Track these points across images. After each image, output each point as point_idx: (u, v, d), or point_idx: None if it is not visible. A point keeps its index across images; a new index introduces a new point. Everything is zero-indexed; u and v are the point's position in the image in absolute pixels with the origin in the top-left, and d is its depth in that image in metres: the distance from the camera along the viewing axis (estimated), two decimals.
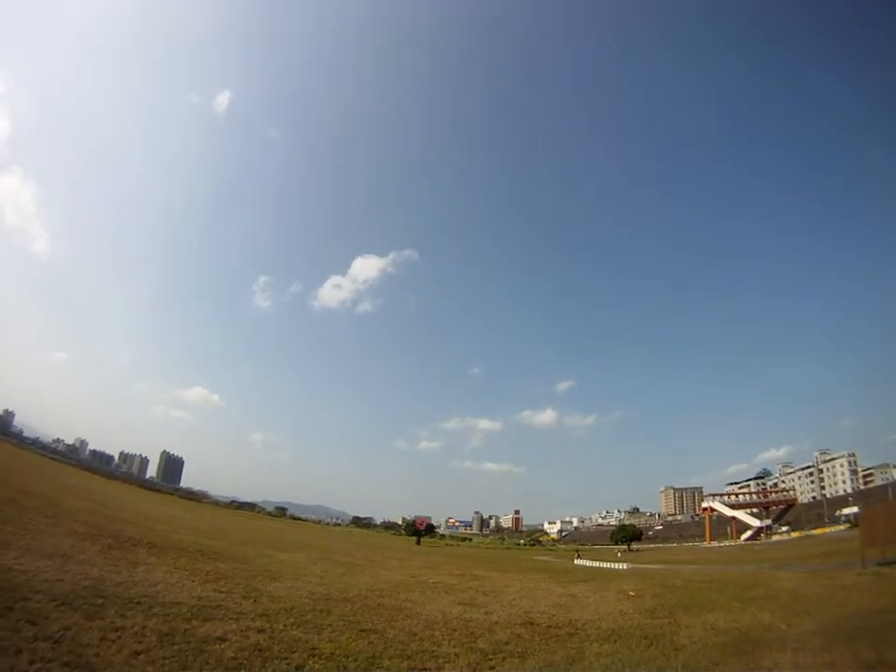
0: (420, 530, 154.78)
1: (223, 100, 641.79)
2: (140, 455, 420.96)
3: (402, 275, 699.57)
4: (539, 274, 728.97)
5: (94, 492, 66.00)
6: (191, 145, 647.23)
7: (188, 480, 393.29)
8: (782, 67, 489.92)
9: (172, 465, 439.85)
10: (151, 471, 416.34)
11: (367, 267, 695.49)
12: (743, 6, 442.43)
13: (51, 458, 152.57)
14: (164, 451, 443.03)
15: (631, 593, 32.66)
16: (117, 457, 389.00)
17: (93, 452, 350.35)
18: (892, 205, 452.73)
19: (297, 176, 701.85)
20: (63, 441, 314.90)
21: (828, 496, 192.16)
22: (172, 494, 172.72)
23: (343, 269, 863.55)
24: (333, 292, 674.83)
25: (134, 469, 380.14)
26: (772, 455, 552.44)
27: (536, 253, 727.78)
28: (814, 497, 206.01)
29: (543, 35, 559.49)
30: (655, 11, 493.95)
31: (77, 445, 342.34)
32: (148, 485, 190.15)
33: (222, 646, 11.88)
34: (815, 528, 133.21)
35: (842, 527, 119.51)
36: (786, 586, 31.79)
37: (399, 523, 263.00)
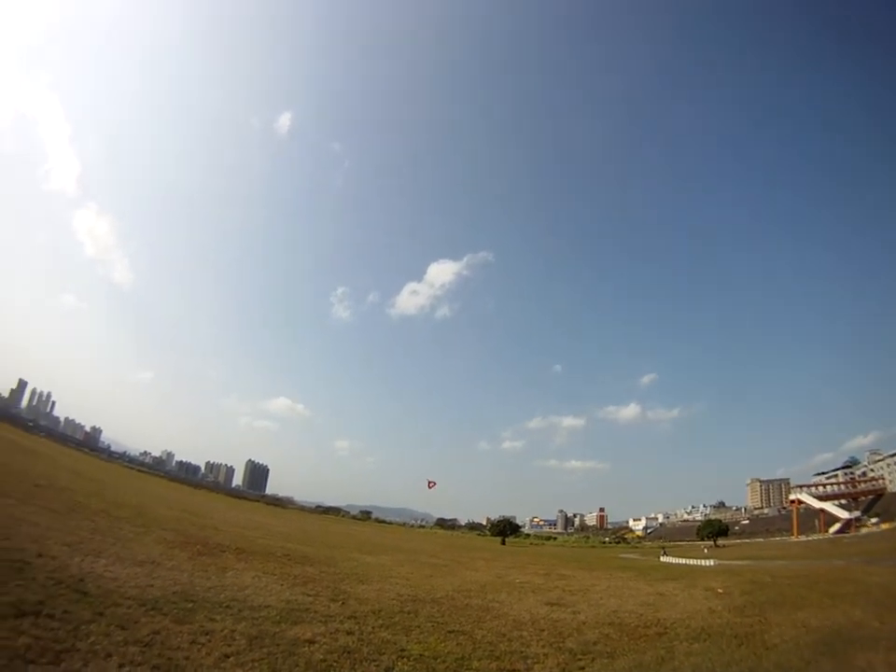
0: (505, 530, 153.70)
1: (285, 121, 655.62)
2: (226, 465, 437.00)
3: (478, 278, 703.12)
4: (616, 271, 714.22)
5: (181, 501, 68.45)
6: (257, 164, 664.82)
7: (273, 487, 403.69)
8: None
9: (257, 473, 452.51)
10: (237, 480, 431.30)
11: (443, 272, 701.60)
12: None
13: (139, 470, 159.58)
14: (250, 459, 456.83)
15: (719, 590, 32.00)
16: (203, 467, 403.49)
17: (180, 463, 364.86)
18: None
19: (364, 187, 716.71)
20: (150, 453, 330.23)
21: None
22: (258, 501, 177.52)
23: (419, 275, 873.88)
24: (411, 299, 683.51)
25: (221, 479, 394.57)
26: (859, 443, 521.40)
27: (609, 251, 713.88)
28: None
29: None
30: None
31: (164, 458, 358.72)
32: (235, 493, 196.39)
33: (311, 648, 11.78)
34: None
35: None
36: (878, 581, 30.66)
37: (484, 523, 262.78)
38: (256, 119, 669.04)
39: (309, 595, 18.58)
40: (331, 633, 13.44)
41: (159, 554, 20.65)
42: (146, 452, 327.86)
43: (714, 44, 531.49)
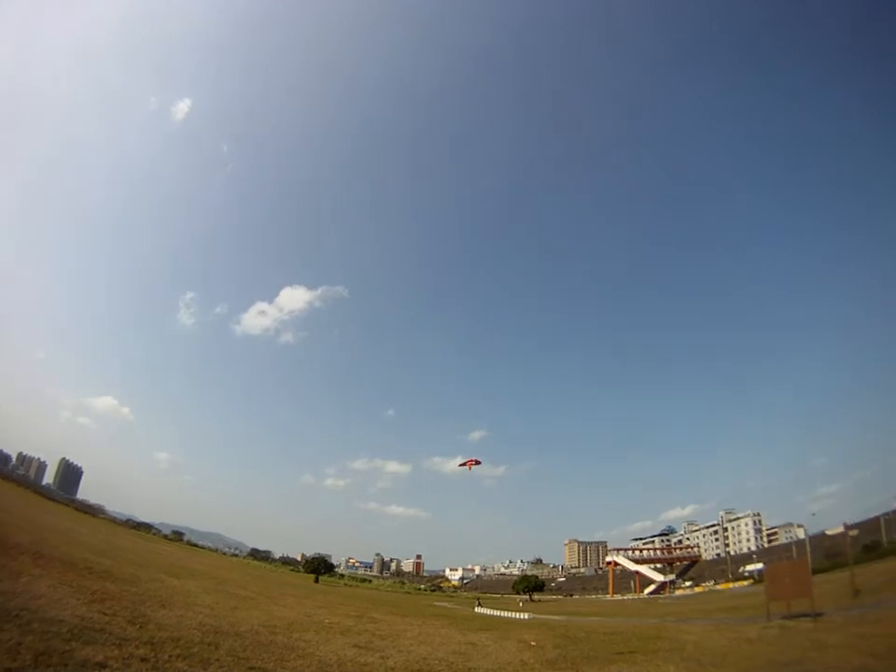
0: (319, 568, 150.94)
1: (183, 107, 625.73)
2: (38, 459, 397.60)
3: (329, 311, 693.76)
4: (464, 329, 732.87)
5: None
6: (144, 143, 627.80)
7: (85, 492, 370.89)
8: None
9: (70, 474, 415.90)
10: (48, 478, 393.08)
11: (295, 298, 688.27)
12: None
13: None
14: (64, 458, 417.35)
15: (532, 643, 32.45)
16: (14, 458, 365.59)
17: None
18: None
19: (239, 197, 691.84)
20: None
21: (732, 553, 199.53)
22: (67, 505, 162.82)
23: (270, 296, 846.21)
24: (257, 318, 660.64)
25: (32, 473, 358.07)
26: (677, 514, 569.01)
27: (453, 311, 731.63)
28: (718, 555, 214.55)
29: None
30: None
31: None
32: (44, 492, 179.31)
33: None
34: (719, 584, 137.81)
35: (746, 583, 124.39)
36: (691, 639, 32.37)
37: (299, 559, 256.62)
38: (155, 98, 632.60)
39: (106, 614, 17.62)
40: (125, 657, 12.89)
41: None
42: None
43: None
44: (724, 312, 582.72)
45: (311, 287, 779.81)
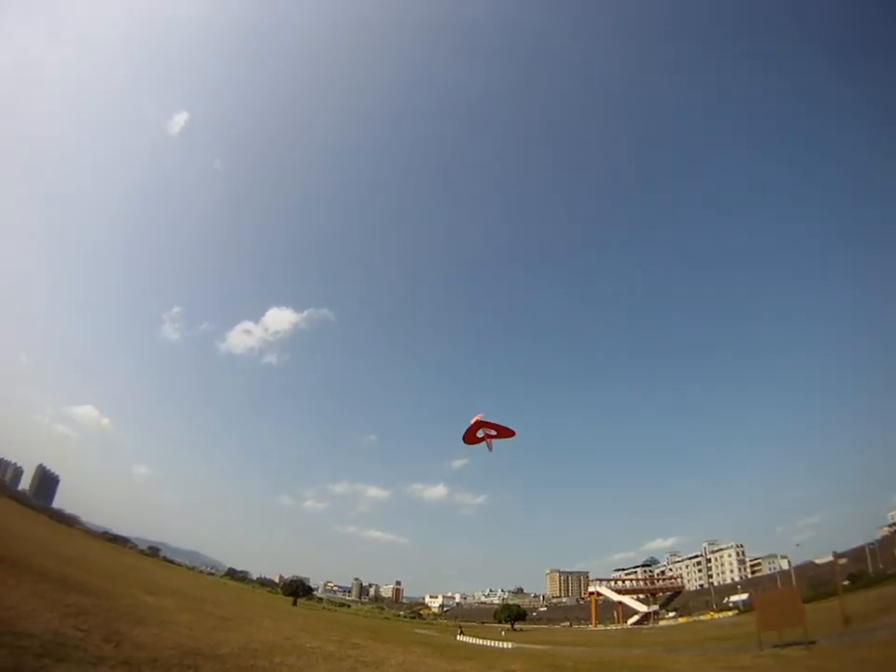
0: (298, 590, 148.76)
1: (179, 120, 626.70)
2: (14, 464, 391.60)
3: (314, 333, 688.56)
4: (448, 358, 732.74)
5: None
6: (140, 154, 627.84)
7: (61, 500, 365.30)
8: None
9: (47, 481, 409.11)
10: (24, 484, 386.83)
11: (281, 319, 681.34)
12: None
13: None
14: (41, 465, 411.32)
15: (519, 671, 31.85)
16: None
17: None
18: None
19: (230, 213, 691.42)
20: None
21: (716, 584, 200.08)
22: (43, 513, 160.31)
23: (256, 316, 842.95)
24: (242, 337, 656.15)
25: (7, 477, 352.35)
26: (659, 545, 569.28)
27: (442, 336, 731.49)
28: (701, 585, 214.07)
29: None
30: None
31: None
32: (19, 498, 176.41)
33: None
34: (703, 614, 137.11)
35: (730, 613, 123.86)
36: (682, 668, 32.02)
37: (276, 580, 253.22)
38: (153, 108, 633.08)
39: (80, 630, 16.75)
40: None
41: None
42: None
43: None
44: (710, 339, 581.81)
45: (298, 308, 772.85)
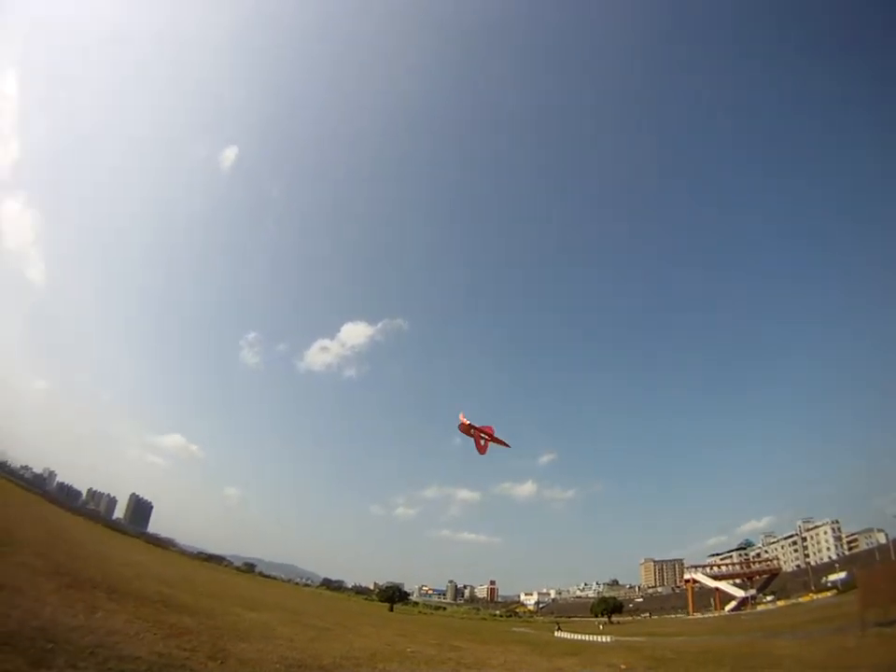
0: (394, 596, 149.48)
1: (230, 155, 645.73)
2: (108, 495, 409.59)
3: (390, 344, 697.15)
4: (527, 352, 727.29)
5: (56, 525, 63.28)
6: (195, 193, 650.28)
7: (155, 526, 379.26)
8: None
9: (141, 508, 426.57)
10: (119, 512, 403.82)
11: (356, 333, 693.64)
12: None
13: (16, 484, 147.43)
14: (133, 493, 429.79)
15: (623, 666, 31.20)
16: (84, 494, 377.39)
17: (61, 485, 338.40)
18: None
19: (293, 237, 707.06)
20: (30, 468, 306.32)
21: (813, 563, 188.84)
22: (138, 538, 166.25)
23: (331, 333, 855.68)
24: (320, 355, 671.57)
25: (102, 508, 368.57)
26: (753, 527, 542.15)
27: (523, 333, 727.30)
28: (798, 566, 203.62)
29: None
30: None
31: (46, 476, 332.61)
32: (115, 526, 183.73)
33: None
34: (801, 596, 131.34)
35: (829, 593, 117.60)
36: (787, 653, 30.70)
37: (371, 588, 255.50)
38: (202, 147, 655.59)
39: (185, 650, 16.69)
40: None
41: (22, 581, 18.41)
42: (26, 466, 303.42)
43: None
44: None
45: (371, 321, 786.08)
